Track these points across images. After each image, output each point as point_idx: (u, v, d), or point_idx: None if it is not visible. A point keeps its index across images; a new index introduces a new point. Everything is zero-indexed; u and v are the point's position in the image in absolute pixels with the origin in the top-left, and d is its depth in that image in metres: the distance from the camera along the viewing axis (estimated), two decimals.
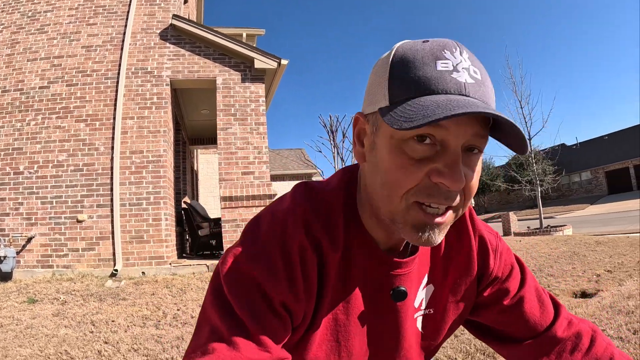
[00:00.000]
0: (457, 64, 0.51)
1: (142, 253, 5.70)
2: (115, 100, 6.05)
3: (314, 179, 19.55)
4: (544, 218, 12.80)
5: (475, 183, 0.55)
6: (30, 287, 4.69)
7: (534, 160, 12.62)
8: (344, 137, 14.08)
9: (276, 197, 0.69)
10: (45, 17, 6.41)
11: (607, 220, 14.14)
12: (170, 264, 5.70)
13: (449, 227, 0.57)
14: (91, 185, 5.81)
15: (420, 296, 0.70)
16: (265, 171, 6.36)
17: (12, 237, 5.53)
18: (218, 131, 6.37)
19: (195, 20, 10.69)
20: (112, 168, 5.84)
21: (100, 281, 5.04)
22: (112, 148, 5.90)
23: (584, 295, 3.88)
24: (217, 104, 6.42)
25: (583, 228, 11.88)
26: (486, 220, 25.09)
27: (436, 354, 0.77)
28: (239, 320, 0.53)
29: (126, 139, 6.00)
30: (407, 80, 0.52)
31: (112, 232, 5.67)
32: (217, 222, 7.05)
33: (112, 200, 5.75)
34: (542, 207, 12.51)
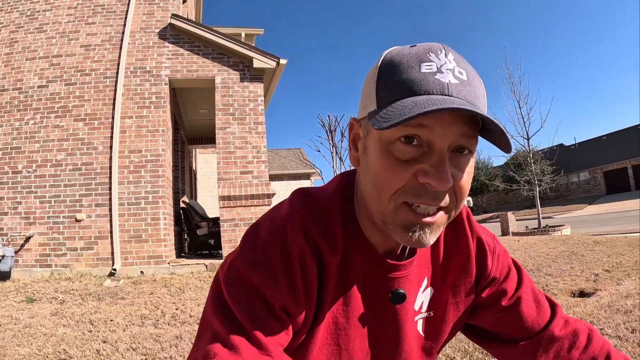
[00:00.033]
0: (441, 66, 0.52)
1: (141, 252, 5.69)
2: (114, 99, 6.04)
3: (312, 178, 19.56)
4: (542, 218, 12.83)
5: (465, 183, 0.55)
6: (29, 287, 4.69)
7: (532, 160, 12.64)
8: (342, 136, 14.11)
9: (274, 205, 0.70)
10: (44, 16, 6.40)
11: (605, 220, 14.17)
12: (168, 263, 5.70)
13: (441, 228, 0.57)
14: (90, 184, 5.81)
15: (420, 299, 0.71)
16: (264, 170, 6.36)
17: (11, 236, 5.52)
18: (217, 130, 6.36)
19: (194, 19, 10.69)
20: (110, 167, 5.84)
21: (99, 280, 5.04)
22: (111, 147, 5.89)
23: (582, 294, 3.89)
24: (216, 103, 6.42)
25: (581, 228, 11.91)
26: (484, 220, 25.13)
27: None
28: (240, 325, 0.53)
29: (125, 138, 5.99)
30: (392, 83, 0.53)
31: (111, 232, 5.66)
32: (215, 221, 7.05)
33: (110, 199, 5.75)
34: (541, 207, 12.54)
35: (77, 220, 5.67)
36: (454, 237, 0.72)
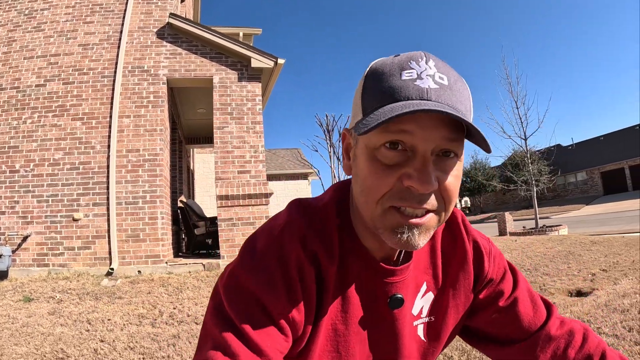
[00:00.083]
0: (421, 72, 0.54)
1: (138, 252, 5.69)
2: (112, 98, 6.03)
3: (310, 178, 19.56)
4: (540, 218, 12.87)
5: (451, 185, 0.56)
6: (26, 286, 4.68)
7: (529, 161, 12.67)
8: (340, 136, 14.06)
9: (272, 216, 0.71)
10: (42, 15, 6.38)
11: (602, 221, 14.22)
12: (166, 262, 5.69)
13: (432, 231, 0.58)
14: (87, 183, 5.80)
15: (420, 304, 0.71)
16: (262, 170, 6.36)
17: (8, 235, 5.51)
18: (214, 130, 6.36)
19: (192, 19, 10.67)
20: (108, 167, 5.83)
21: (96, 280, 5.03)
22: (109, 146, 5.89)
23: (580, 294, 3.91)
24: (214, 102, 6.41)
25: (578, 228, 11.94)
26: (482, 220, 25.19)
27: None
28: (240, 333, 0.54)
29: (122, 137, 5.98)
30: (375, 92, 0.55)
31: (108, 231, 5.66)
32: (213, 221, 7.05)
33: (108, 198, 5.74)
34: (538, 207, 12.58)
35: (75, 220, 5.66)
36: (451, 242, 0.74)
